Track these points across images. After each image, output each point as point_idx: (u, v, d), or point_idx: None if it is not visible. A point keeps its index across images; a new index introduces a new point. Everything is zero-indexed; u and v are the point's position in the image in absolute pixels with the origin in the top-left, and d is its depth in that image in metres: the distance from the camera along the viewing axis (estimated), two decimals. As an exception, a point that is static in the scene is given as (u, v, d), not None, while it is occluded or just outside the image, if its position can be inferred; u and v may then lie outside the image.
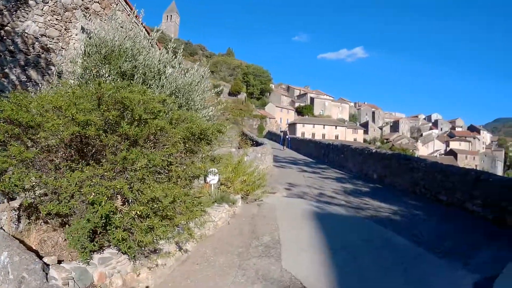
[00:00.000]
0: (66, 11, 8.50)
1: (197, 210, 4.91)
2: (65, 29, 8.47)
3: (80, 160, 4.44)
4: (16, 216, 4.69)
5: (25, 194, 4.44)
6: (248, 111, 72.15)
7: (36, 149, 4.22)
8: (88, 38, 7.07)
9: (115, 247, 4.41)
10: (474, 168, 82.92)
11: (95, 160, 4.51)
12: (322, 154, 22.48)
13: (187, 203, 4.75)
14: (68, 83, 5.90)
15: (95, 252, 4.32)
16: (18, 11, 6.89)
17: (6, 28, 6.93)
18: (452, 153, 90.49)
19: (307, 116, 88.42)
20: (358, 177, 15.26)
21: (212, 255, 6.00)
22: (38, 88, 7.39)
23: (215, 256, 5.94)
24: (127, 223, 4.15)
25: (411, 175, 11.82)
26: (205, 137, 5.42)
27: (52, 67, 8.00)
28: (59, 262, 4.05)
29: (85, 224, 3.78)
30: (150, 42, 7.67)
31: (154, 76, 6.93)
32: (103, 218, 3.98)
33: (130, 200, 4.46)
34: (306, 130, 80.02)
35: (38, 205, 4.50)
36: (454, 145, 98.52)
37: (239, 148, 16.65)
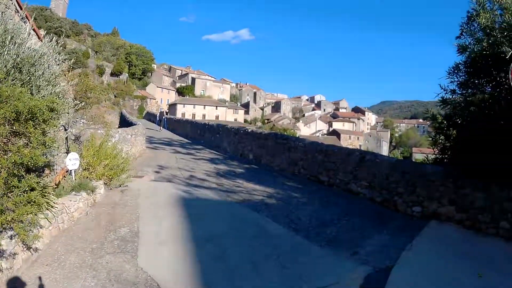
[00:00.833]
0: None
1: (32, 204, 4.95)
2: None
3: None
4: None
5: None
6: (129, 91, 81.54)
7: None
8: None
9: None
10: (358, 148, 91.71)
11: None
12: (198, 134, 25.18)
13: (16, 198, 4.76)
14: None
15: None
16: None
17: None
18: (335, 133, 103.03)
19: (187, 97, 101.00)
20: (234, 157, 16.99)
21: (63, 253, 5.85)
22: None
23: (66, 255, 5.80)
24: None
25: (289, 155, 13.19)
26: (34, 116, 5.24)
27: None
28: None
29: None
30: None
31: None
32: None
33: None
34: (186, 111, 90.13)
35: None
36: (337, 125, 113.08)
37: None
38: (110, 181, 9.72)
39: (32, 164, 5.15)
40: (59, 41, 7.52)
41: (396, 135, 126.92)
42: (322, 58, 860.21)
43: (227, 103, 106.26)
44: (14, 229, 5.01)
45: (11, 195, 4.88)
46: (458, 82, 8.16)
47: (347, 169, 10.55)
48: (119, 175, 9.85)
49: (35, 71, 6.38)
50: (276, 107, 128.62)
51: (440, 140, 8.71)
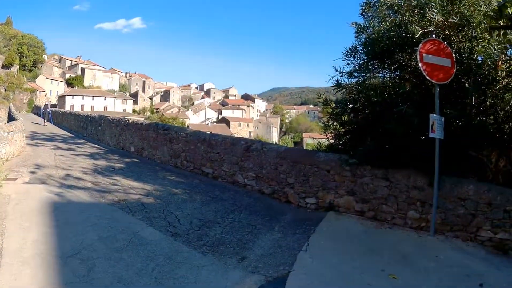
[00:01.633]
0: None
1: None
2: None
3: None
4: None
5: None
6: (20, 84, 79.02)
7: None
8: None
9: None
10: (248, 134, 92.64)
11: None
12: (81, 127, 23.90)
13: None
14: None
15: None
16: None
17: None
18: (225, 120, 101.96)
19: (77, 88, 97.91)
20: (115, 151, 15.87)
21: None
22: None
23: None
24: None
25: (171, 147, 12.04)
26: None
27: None
28: None
29: None
30: None
31: None
32: None
33: None
34: (75, 103, 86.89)
35: None
36: (227, 113, 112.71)
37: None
38: (-23, 186, 8.25)
39: None
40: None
41: (287, 121, 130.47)
42: (211, 46, 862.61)
43: (116, 94, 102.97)
44: None
45: None
46: (356, 64, 7.35)
47: (232, 160, 9.44)
48: (-12, 179, 8.27)
49: None
50: (165, 96, 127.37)
51: (334, 126, 7.81)
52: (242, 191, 8.84)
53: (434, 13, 6.12)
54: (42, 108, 36.95)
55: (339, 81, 7.26)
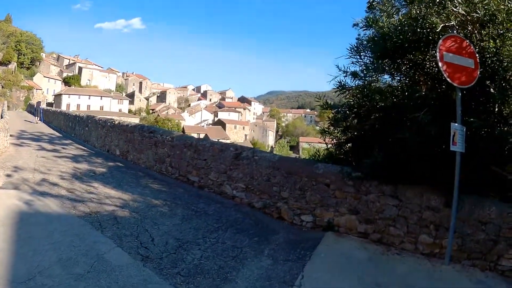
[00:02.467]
0: None
1: None
2: None
3: None
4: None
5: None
6: (17, 82, 77.91)
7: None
8: None
9: None
10: (244, 137, 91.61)
11: None
12: (70, 127, 23.35)
13: None
14: None
15: None
16: None
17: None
18: (221, 123, 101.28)
19: (74, 87, 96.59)
20: (100, 154, 15.02)
21: None
22: None
23: None
24: None
25: (156, 151, 11.09)
26: None
27: None
28: None
29: None
30: None
31: None
32: None
33: None
34: (71, 102, 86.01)
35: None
36: (223, 115, 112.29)
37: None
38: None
39: None
40: None
41: (283, 124, 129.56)
42: (209, 48, 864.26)
43: (112, 93, 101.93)
44: None
45: None
46: (362, 64, 6.42)
47: (220, 168, 8.45)
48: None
49: None
50: (162, 97, 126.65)
51: (336, 134, 6.87)
52: (230, 203, 7.86)
53: (456, 5, 5.19)
54: (34, 106, 36.10)
55: (342, 83, 6.33)
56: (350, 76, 6.31)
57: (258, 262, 5.14)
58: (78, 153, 14.42)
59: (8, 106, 61.80)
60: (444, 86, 5.53)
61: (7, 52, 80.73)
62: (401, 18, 5.80)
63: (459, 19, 5.43)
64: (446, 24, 5.23)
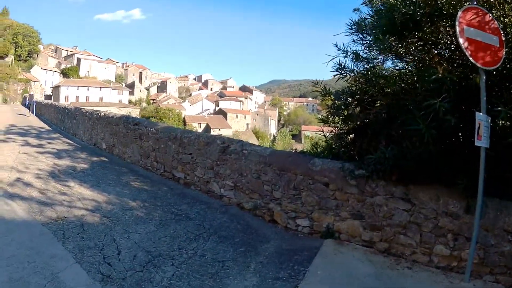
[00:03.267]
0: None
1: None
2: None
3: None
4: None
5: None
6: (14, 75, 76.69)
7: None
8: None
9: None
10: (246, 126, 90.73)
11: None
12: (59, 120, 22.56)
13: None
14: None
15: None
16: None
17: None
18: (222, 112, 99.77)
19: (72, 78, 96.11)
20: (86, 148, 14.25)
21: None
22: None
23: None
24: None
25: (141, 144, 10.21)
26: None
27: None
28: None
29: None
30: None
31: None
32: None
33: None
34: (70, 93, 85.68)
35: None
36: (224, 104, 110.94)
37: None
38: None
39: None
40: None
41: (285, 113, 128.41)
42: (210, 37, 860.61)
43: (112, 84, 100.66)
44: None
45: None
46: (366, 42, 5.56)
47: (206, 164, 7.57)
48: None
49: None
50: (162, 87, 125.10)
51: (336, 124, 5.97)
52: (217, 204, 6.99)
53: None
54: (27, 99, 35.85)
55: (342, 64, 5.42)
56: (351, 57, 5.42)
57: (241, 280, 4.24)
58: (63, 147, 13.64)
59: (5, 99, 61.12)
60: (461, 69, 4.65)
61: (4, 45, 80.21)
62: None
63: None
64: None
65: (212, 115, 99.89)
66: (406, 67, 5.45)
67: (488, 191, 4.14)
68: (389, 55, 5.42)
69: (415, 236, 4.63)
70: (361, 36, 5.41)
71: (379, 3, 5.30)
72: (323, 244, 5.14)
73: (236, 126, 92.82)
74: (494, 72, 4.33)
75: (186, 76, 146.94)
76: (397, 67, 5.55)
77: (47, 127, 22.06)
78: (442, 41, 4.93)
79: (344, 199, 5.19)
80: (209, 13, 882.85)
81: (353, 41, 5.61)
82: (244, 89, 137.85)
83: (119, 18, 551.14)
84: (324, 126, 6.08)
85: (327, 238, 5.29)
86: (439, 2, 4.58)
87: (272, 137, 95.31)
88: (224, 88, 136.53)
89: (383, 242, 4.89)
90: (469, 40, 4.06)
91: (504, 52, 4.20)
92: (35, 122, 25.43)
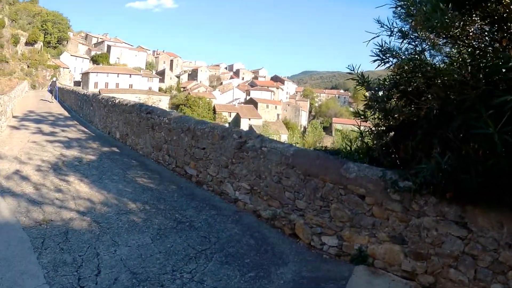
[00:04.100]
0: None
1: None
2: None
3: None
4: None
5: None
6: (43, 61, 75.19)
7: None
8: None
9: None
10: (277, 117, 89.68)
11: None
12: (78, 106, 21.91)
13: None
14: None
15: None
16: None
17: None
18: (253, 102, 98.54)
19: (102, 65, 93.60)
20: (100, 137, 13.53)
21: None
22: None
23: None
24: None
25: (153, 135, 9.32)
26: None
27: None
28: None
29: None
30: None
31: None
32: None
33: None
34: (99, 80, 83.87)
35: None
36: (255, 94, 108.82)
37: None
38: None
39: None
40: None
41: (316, 105, 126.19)
42: (243, 27, 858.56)
43: (142, 71, 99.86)
44: None
45: None
46: (420, 16, 4.25)
47: (220, 161, 6.59)
48: None
49: None
50: (193, 75, 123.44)
51: (374, 118, 4.84)
52: (230, 209, 6.01)
53: None
54: (49, 85, 35.47)
55: (385, 47, 4.32)
56: (397, 36, 4.31)
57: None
58: (76, 136, 13.03)
59: (33, 85, 62.04)
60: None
61: (33, 32, 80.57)
62: None
63: None
64: None
65: (242, 104, 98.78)
66: (463, 51, 4.31)
67: None
68: (444, 35, 4.29)
69: (469, 272, 3.51)
70: (410, 8, 4.27)
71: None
72: (354, 272, 4.08)
73: (267, 117, 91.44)
74: None
75: (218, 65, 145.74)
76: (452, 53, 4.41)
77: (66, 114, 21.69)
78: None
79: (383, 217, 4.11)
80: (242, 3, 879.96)
81: (399, 17, 4.52)
82: (275, 79, 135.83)
83: (150, 7, 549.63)
84: (359, 120, 5.01)
85: (358, 264, 4.24)
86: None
87: (302, 129, 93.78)
88: (256, 77, 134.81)
89: (428, 275, 3.78)
90: None
91: None
92: (56, 108, 25.11)
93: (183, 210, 5.88)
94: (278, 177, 5.30)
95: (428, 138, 3.90)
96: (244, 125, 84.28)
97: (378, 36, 4.26)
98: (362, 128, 5.08)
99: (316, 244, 4.73)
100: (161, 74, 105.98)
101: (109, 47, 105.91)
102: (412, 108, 4.33)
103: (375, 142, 5.01)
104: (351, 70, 4.68)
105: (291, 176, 5.09)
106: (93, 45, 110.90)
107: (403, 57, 4.33)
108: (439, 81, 3.89)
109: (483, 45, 4.09)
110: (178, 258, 4.35)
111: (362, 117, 4.87)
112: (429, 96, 4.11)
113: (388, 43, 4.29)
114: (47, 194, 6.37)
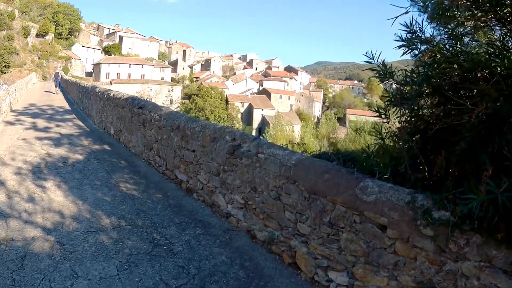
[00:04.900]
0: None
1: None
2: None
3: None
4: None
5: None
6: (54, 52, 76.00)
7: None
8: None
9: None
10: (290, 107, 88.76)
11: None
12: (79, 99, 21.10)
13: None
14: None
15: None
16: None
17: None
18: (266, 92, 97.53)
19: (113, 56, 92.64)
20: (94, 132, 12.81)
21: None
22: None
23: None
24: None
25: (144, 132, 8.39)
26: None
27: None
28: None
29: None
30: None
31: None
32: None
33: None
34: (111, 71, 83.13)
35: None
36: (268, 84, 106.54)
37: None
38: None
39: None
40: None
41: (330, 95, 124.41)
42: (257, 16, 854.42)
43: (154, 62, 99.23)
44: None
45: None
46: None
47: (211, 167, 5.61)
48: None
49: None
50: (206, 65, 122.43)
51: (402, 121, 3.69)
52: (220, 227, 5.03)
53: None
54: (53, 76, 34.75)
55: (413, 29, 3.32)
56: (431, 13, 3.30)
57: None
58: (69, 132, 12.26)
59: (44, 76, 61.97)
60: None
61: (43, 23, 79.93)
62: None
63: None
64: None
65: (255, 94, 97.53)
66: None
67: None
68: (493, 15, 3.26)
69: None
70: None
71: None
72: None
73: (280, 107, 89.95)
74: None
75: (231, 55, 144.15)
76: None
77: (67, 107, 20.98)
78: None
79: (408, 256, 3.07)
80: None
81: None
82: (289, 69, 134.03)
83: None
84: (379, 123, 3.97)
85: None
86: None
87: (316, 119, 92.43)
88: (269, 68, 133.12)
89: None
90: None
91: None
92: (58, 101, 24.43)
93: (164, 227, 4.92)
94: (277, 193, 4.29)
95: (473, 152, 2.89)
96: (257, 116, 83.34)
97: (407, 12, 3.26)
98: (382, 129, 4.05)
99: (321, 280, 3.73)
100: (174, 65, 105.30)
101: (121, 37, 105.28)
102: (451, 110, 3.32)
103: (399, 149, 3.97)
104: (370, 59, 3.65)
105: (293, 193, 4.07)
106: (105, 36, 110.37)
107: (436, 43, 3.33)
108: (502, 71, 2.88)
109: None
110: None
111: (384, 117, 3.85)
112: (475, 94, 3.11)
113: (420, 23, 3.29)
114: (17, 205, 5.58)
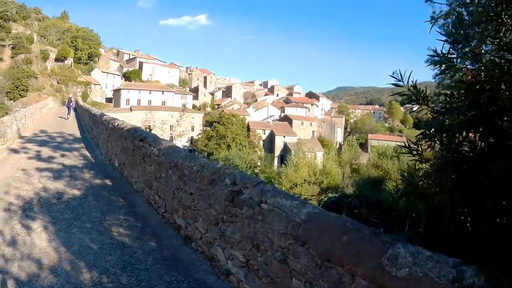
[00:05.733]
0: None
1: None
2: None
3: None
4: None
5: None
6: (73, 77, 77.67)
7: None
8: None
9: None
10: (312, 134, 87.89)
11: None
12: (90, 127, 20.62)
13: None
14: None
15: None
16: None
17: None
18: (287, 119, 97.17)
19: (133, 82, 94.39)
20: (101, 164, 12.34)
21: None
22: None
23: None
24: None
25: (144, 168, 7.75)
26: None
27: None
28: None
29: None
30: None
31: None
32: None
33: None
34: (131, 97, 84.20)
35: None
36: (290, 111, 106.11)
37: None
38: None
39: None
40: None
41: (351, 121, 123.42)
42: (277, 43, 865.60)
43: (175, 88, 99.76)
44: None
45: None
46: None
47: (210, 215, 4.80)
48: None
49: None
50: (227, 92, 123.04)
51: (442, 164, 2.83)
52: (218, 288, 4.28)
53: None
54: (67, 102, 34.41)
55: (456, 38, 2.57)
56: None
57: None
58: (73, 163, 11.80)
59: (64, 101, 63.57)
60: None
61: (62, 48, 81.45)
62: None
63: None
64: None
65: (277, 121, 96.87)
66: None
67: None
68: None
69: None
70: None
71: None
72: None
73: (302, 134, 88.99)
74: None
75: (252, 82, 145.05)
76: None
77: (77, 135, 20.83)
78: None
79: None
80: (274, 19, 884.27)
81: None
82: (310, 95, 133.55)
83: (184, 24, 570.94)
84: (410, 156, 3.09)
85: None
86: None
87: (338, 145, 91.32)
88: (290, 94, 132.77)
89: None
90: None
91: None
92: (70, 127, 24.48)
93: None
94: (283, 254, 3.43)
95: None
96: (279, 143, 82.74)
97: (438, 16, 2.50)
98: (415, 163, 3.17)
99: None
100: (195, 91, 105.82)
101: (141, 63, 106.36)
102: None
103: (437, 195, 3.09)
104: (398, 80, 2.84)
105: (302, 257, 3.20)
106: (124, 62, 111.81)
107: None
108: None
109: None
110: None
111: (416, 154, 3.01)
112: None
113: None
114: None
